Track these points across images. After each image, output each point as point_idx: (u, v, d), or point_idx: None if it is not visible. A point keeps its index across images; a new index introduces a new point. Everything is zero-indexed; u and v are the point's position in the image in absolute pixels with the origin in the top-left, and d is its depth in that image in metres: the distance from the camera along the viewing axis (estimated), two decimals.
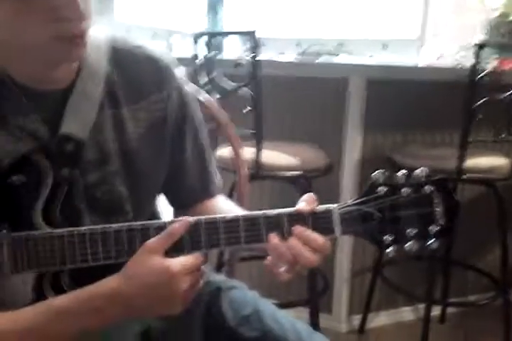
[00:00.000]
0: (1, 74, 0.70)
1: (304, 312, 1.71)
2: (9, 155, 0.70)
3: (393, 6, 3.49)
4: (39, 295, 0.70)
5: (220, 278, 0.89)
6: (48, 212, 0.70)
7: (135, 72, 0.79)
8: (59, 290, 0.71)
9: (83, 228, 0.69)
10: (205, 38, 1.58)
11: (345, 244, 1.88)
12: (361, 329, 1.93)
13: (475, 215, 2.00)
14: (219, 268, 1.60)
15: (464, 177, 1.57)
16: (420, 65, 2.08)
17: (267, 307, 0.82)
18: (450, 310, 2.03)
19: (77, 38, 0.66)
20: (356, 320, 1.96)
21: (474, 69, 1.48)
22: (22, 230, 0.69)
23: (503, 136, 1.57)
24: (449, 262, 1.98)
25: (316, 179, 1.59)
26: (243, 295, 0.84)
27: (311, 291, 1.67)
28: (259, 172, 1.52)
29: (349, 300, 1.95)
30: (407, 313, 2.04)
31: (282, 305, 0.85)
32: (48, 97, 0.73)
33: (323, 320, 1.82)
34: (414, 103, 1.85)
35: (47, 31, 0.63)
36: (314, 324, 1.66)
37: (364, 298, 1.93)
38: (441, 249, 1.89)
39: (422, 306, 1.86)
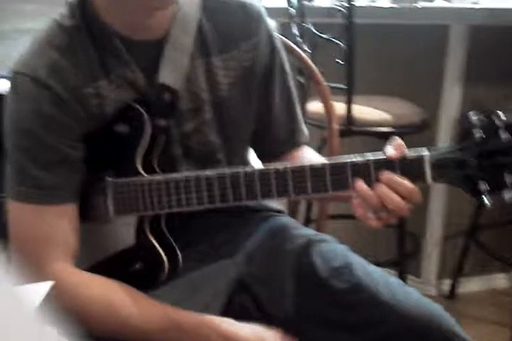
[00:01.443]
0: (104, 24, 0.72)
1: (391, 274, 1.67)
2: (111, 103, 0.73)
3: None
4: (140, 238, 0.74)
5: (310, 231, 0.89)
6: (147, 160, 0.74)
7: (226, 21, 0.78)
8: (158, 233, 0.75)
9: (178, 175, 0.71)
10: None
11: (439, 204, 1.80)
12: (451, 294, 1.87)
13: None
14: (307, 224, 1.59)
15: None
16: None
17: (358, 260, 0.82)
18: None
19: None
20: (446, 284, 1.90)
21: None
22: (124, 176, 0.73)
23: None
24: None
25: (411, 136, 1.50)
26: (333, 248, 0.83)
27: (400, 252, 1.63)
28: (350, 127, 1.47)
29: (440, 264, 1.89)
30: (500, 280, 1.94)
31: None
32: (144, 47, 0.74)
33: (412, 282, 1.79)
34: None
35: None
36: None
37: (456, 262, 1.86)
38: None
39: None
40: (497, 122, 0.62)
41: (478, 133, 0.62)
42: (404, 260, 1.64)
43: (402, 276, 1.64)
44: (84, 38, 0.72)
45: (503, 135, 0.61)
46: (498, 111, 0.64)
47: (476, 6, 1.78)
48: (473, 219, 1.78)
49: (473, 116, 0.63)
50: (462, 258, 1.84)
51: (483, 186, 0.63)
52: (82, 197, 0.74)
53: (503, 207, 1.90)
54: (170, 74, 0.74)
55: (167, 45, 0.74)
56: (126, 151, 0.73)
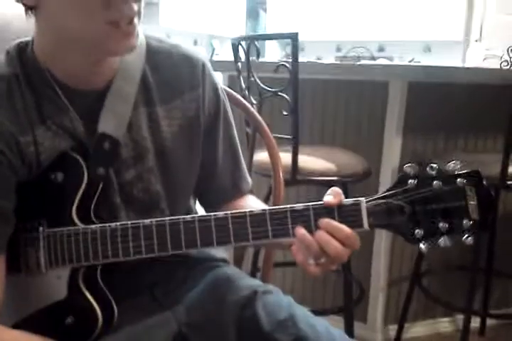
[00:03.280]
0: (43, 72, 0.72)
1: (338, 320, 1.68)
2: (47, 151, 0.72)
3: (436, 7, 3.39)
4: (73, 290, 0.72)
5: (255, 282, 0.88)
6: (83, 209, 0.72)
7: (170, 72, 0.80)
8: (93, 285, 0.73)
9: (114, 224, 0.70)
10: (245, 42, 1.57)
11: (382, 251, 1.84)
12: (397, 339, 1.88)
13: None
14: (253, 273, 1.59)
15: (508, 183, 1.51)
16: (465, 65, 2.02)
17: (302, 312, 0.81)
18: (490, 321, 1.95)
19: (130, 23, 0.66)
20: (392, 330, 1.91)
21: None
22: (58, 226, 0.71)
23: None
24: (491, 272, 1.91)
25: (354, 184, 1.56)
26: (278, 300, 0.82)
27: (346, 299, 1.64)
28: (295, 176, 1.50)
29: (385, 310, 1.91)
30: (445, 324, 1.97)
31: (316, 313, 0.83)
32: (85, 97, 0.74)
33: (358, 329, 1.79)
34: (457, 107, 1.81)
35: (100, 18, 0.64)
36: (349, 333, 1.63)
37: (400, 308, 1.88)
38: (483, 259, 1.83)
39: (460, 317, 1.80)
40: (430, 171, 0.66)
41: (412, 182, 0.66)
42: (350, 306, 1.65)
43: (349, 322, 1.64)
44: (22, 85, 0.71)
45: (435, 183, 0.65)
46: (432, 162, 0.67)
47: (414, 64, 1.91)
48: (416, 265, 1.83)
49: (409, 167, 0.66)
50: (407, 304, 1.86)
51: (419, 232, 0.65)
52: (13, 247, 0.70)
53: (443, 253, 1.96)
54: (110, 123, 0.74)
55: (109, 95, 0.74)
56: (62, 200, 0.71)
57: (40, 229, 0.71)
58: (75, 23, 0.65)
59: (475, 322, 1.87)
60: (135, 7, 0.66)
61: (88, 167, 0.72)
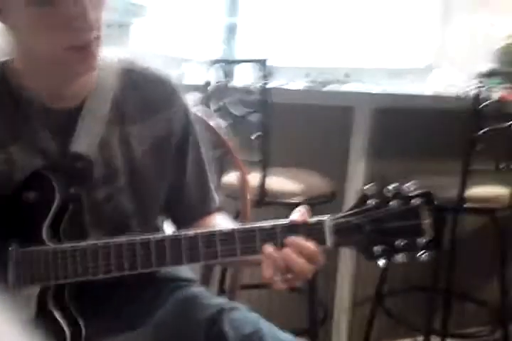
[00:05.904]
0: (17, 91, 0.74)
1: None
2: (21, 170, 0.73)
3: (402, 35, 3.51)
4: (42, 310, 0.72)
5: (221, 300, 0.89)
6: (53, 229, 0.73)
7: (143, 92, 0.82)
8: (61, 305, 0.73)
9: (85, 243, 0.71)
10: (217, 66, 1.61)
11: (346, 273, 1.88)
12: None
13: (475, 246, 2.00)
14: (220, 294, 1.59)
15: (465, 206, 1.57)
16: (427, 93, 2.11)
17: (268, 327, 0.83)
18: None
19: (87, 48, 0.68)
20: None
21: (477, 98, 1.51)
22: (29, 245, 0.71)
23: (504, 165, 1.57)
24: (450, 293, 1.96)
25: (320, 206, 1.59)
26: (244, 316, 0.84)
27: (311, 320, 1.65)
28: (263, 198, 1.53)
29: (349, 330, 1.93)
30: None
31: None
32: (59, 115, 0.76)
33: None
34: (419, 132, 1.88)
35: (61, 41, 0.66)
36: None
37: (364, 329, 1.91)
38: (443, 280, 1.88)
39: (421, 338, 1.84)
40: (387, 192, 0.70)
41: (371, 202, 0.70)
42: (315, 328, 1.67)
43: None
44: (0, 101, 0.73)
45: (392, 203, 0.70)
46: (391, 184, 0.72)
47: (376, 91, 1.98)
48: (378, 286, 1.86)
49: (369, 188, 0.71)
50: (370, 324, 1.88)
51: (378, 250, 0.69)
52: None
53: (405, 275, 2.00)
54: (83, 142, 0.76)
55: (82, 114, 0.76)
56: (33, 219, 0.72)
57: (11, 248, 0.71)
58: (37, 45, 0.68)
59: None
60: (93, 33, 0.68)
61: (60, 187, 0.73)
